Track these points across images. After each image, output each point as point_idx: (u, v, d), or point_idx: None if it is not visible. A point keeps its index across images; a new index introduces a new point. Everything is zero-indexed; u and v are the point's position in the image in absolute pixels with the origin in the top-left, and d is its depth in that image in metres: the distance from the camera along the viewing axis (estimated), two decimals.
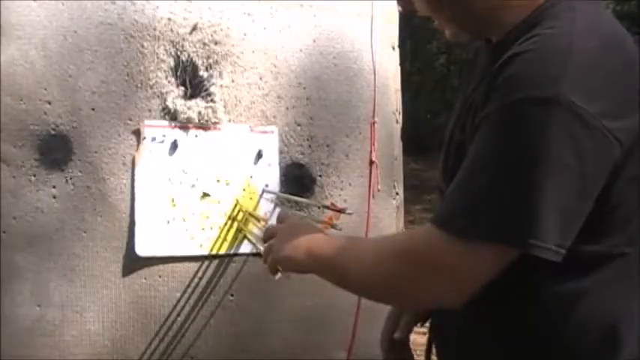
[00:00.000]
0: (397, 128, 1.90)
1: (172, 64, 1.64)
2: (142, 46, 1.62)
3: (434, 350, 1.20)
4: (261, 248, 1.54)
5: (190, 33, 1.66)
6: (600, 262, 0.92)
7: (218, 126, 1.68)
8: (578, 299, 0.92)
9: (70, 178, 1.58)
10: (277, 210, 1.73)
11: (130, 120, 1.62)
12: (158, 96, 1.64)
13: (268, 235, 1.19)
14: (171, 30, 1.64)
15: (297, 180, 1.76)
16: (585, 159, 0.84)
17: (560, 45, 0.87)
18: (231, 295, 1.70)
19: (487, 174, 0.86)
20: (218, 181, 1.68)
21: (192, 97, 1.66)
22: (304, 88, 1.78)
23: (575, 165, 0.83)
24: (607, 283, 0.93)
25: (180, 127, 1.66)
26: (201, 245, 1.66)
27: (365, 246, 1.05)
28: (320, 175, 1.79)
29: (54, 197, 1.57)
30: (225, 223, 1.68)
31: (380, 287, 0.98)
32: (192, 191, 1.66)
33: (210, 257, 1.67)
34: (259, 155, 1.72)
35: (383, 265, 0.95)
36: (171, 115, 1.64)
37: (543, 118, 0.83)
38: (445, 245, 0.87)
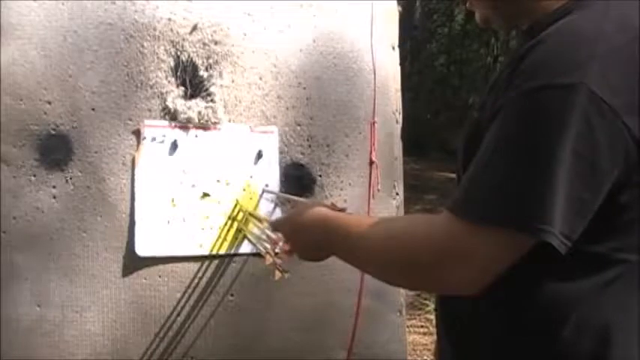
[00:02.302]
0: (397, 128, 1.90)
1: (172, 64, 1.65)
2: (142, 46, 1.62)
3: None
4: (262, 249, 1.55)
5: (190, 33, 1.66)
6: (600, 265, 0.91)
7: (218, 126, 1.68)
8: (575, 302, 0.91)
9: (70, 178, 1.58)
10: (277, 210, 1.73)
11: (130, 120, 1.62)
12: (158, 96, 1.64)
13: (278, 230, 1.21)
14: (171, 30, 1.64)
15: (297, 180, 1.76)
16: (601, 151, 0.82)
17: (588, 33, 0.86)
18: (231, 295, 1.70)
19: (502, 160, 0.85)
20: (218, 181, 1.68)
21: (192, 97, 1.66)
22: (304, 88, 1.78)
23: (590, 156, 0.82)
24: (605, 288, 0.91)
25: (180, 127, 1.66)
26: (201, 245, 1.66)
27: (379, 232, 1.01)
28: (320, 175, 1.79)
29: (54, 197, 1.57)
30: (225, 223, 1.68)
31: (397, 275, 0.98)
32: (192, 191, 1.66)
33: (210, 257, 1.67)
34: (259, 155, 1.72)
35: (399, 252, 0.94)
36: (171, 115, 1.65)
37: (563, 106, 0.82)
38: (461, 232, 0.87)
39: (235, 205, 1.69)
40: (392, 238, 0.97)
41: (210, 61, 1.68)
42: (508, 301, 0.95)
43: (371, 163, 1.83)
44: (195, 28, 1.66)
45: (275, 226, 1.30)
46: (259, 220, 1.65)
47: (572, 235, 0.84)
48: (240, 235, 1.69)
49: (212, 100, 1.67)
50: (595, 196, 0.85)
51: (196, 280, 1.66)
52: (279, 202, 1.73)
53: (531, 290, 0.93)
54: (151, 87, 1.63)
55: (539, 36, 0.90)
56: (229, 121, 1.70)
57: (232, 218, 1.69)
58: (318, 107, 1.79)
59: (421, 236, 0.92)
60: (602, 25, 0.87)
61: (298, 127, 1.77)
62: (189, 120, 1.65)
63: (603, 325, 0.92)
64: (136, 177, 1.61)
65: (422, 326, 3.94)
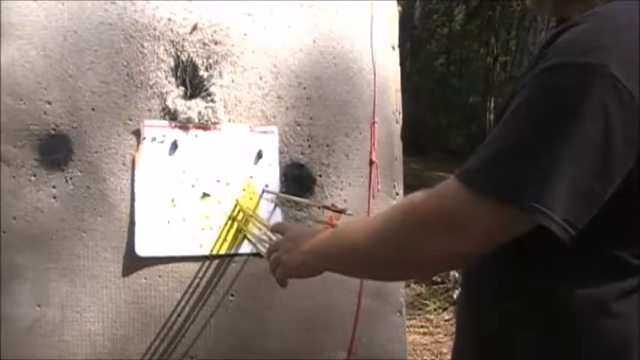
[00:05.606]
0: (397, 128, 1.90)
1: (172, 64, 1.65)
2: (142, 46, 1.62)
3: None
4: (262, 249, 1.55)
5: (190, 33, 1.66)
6: (621, 272, 0.89)
7: (218, 126, 1.68)
8: (595, 309, 0.89)
9: (70, 178, 1.58)
10: (277, 210, 1.73)
11: (130, 120, 1.62)
12: (158, 96, 1.64)
13: (272, 250, 1.19)
14: (171, 30, 1.64)
15: (297, 180, 1.76)
16: (614, 138, 0.79)
17: (618, 21, 0.85)
18: (231, 295, 1.70)
19: (510, 134, 0.84)
20: (218, 181, 1.68)
21: (192, 97, 1.66)
22: (304, 88, 1.78)
23: (602, 142, 0.79)
24: (626, 297, 0.89)
25: (180, 127, 1.66)
26: (201, 245, 1.66)
27: (371, 218, 1.01)
28: (320, 175, 1.79)
29: (54, 197, 1.57)
30: (225, 223, 1.68)
31: (388, 246, 0.94)
32: (192, 191, 1.66)
33: (210, 257, 1.67)
34: (259, 155, 1.72)
35: (393, 219, 0.93)
36: (171, 115, 1.65)
37: (581, 86, 0.80)
38: (461, 197, 0.85)
39: (235, 205, 1.69)
40: (389, 212, 0.97)
41: (210, 61, 1.68)
42: (531, 303, 0.93)
43: (371, 163, 1.83)
44: (195, 28, 1.66)
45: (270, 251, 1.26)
46: (262, 224, 1.65)
47: (577, 223, 0.81)
48: (240, 235, 1.69)
49: (212, 100, 1.67)
50: (604, 185, 0.82)
51: (196, 280, 1.66)
52: (279, 202, 1.73)
53: (551, 294, 0.91)
54: (151, 87, 1.63)
55: (572, 20, 0.89)
56: (229, 121, 1.70)
57: (232, 218, 1.69)
58: (318, 107, 1.79)
59: (420, 198, 0.91)
60: (633, 15, 0.86)
61: (298, 127, 1.77)
62: (189, 120, 1.65)
63: (623, 335, 0.90)
64: (136, 177, 1.61)
65: (422, 326, 3.94)
